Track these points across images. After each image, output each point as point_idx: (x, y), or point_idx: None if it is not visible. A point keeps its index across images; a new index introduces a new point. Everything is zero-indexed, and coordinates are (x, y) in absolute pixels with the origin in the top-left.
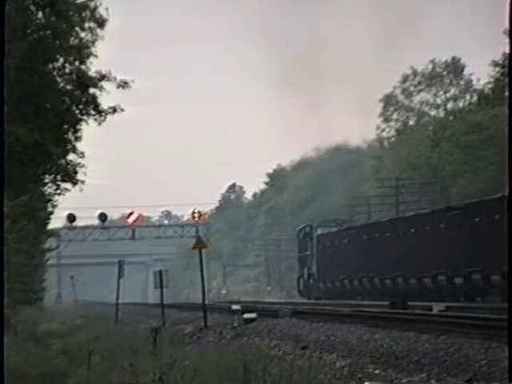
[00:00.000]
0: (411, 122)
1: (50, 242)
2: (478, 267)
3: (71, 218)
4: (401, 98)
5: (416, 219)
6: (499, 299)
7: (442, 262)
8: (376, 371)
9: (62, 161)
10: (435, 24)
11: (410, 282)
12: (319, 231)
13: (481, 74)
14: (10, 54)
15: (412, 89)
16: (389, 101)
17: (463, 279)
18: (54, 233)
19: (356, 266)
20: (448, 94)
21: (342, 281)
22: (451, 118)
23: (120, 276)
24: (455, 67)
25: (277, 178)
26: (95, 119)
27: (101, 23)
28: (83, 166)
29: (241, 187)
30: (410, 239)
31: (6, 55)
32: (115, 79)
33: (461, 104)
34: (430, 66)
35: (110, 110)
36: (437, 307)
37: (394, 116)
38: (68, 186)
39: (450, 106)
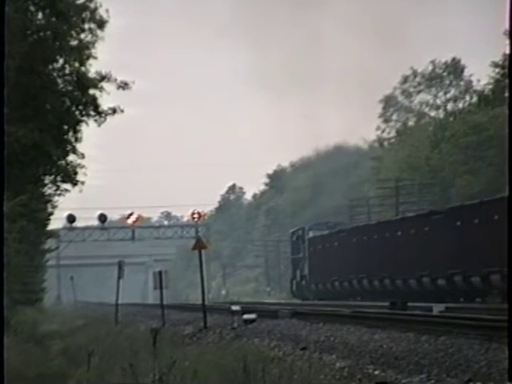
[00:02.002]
0: (411, 123)
1: (50, 243)
2: (459, 269)
3: (71, 218)
4: (401, 98)
5: (402, 222)
6: (479, 300)
7: (426, 264)
8: (376, 372)
9: (62, 162)
10: (435, 24)
11: (396, 283)
12: (311, 234)
13: (481, 74)
14: (10, 55)
15: (412, 89)
16: (389, 101)
17: (446, 281)
18: (54, 233)
19: (346, 267)
20: (448, 95)
21: (332, 282)
22: (451, 118)
23: (120, 277)
24: (455, 68)
25: (277, 179)
26: (95, 120)
27: (101, 24)
28: (83, 166)
29: (241, 188)
30: (396, 242)
31: (6, 56)
32: (115, 80)
33: (461, 105)
34: (430, 67)
35: (110, 111)
36: (437, 308)
37: (394, 117)
38: (68, 186)
39: (449, 106)
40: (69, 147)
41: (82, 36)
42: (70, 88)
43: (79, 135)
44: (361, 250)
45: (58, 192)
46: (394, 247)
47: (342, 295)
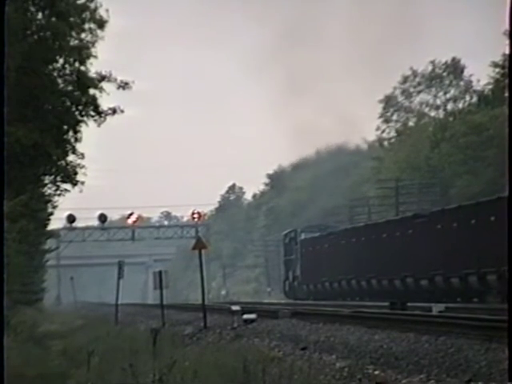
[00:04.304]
0: (411, 123)
1: (50, 243)
2: (441, 270)
3: (71, 218)
4: (401, 98)
5: (387, 225)
6: (459, 299)
7: (409, 265)
8: (376, 372)
9: (62, 162)
10: (435, 25)
11: (382, 283)
12: (303, 236)
13: (481, 74)
14: (10, 55)
15: (412, 90)
16: (389, 102)
17: (428, 281)
18: (54, 233)
19: (335, 269)
20: (448, 95)
21: (323, 283)
22: (451, 118)
23: (120, 277)
24: (455, 68)
25: (277, 179)
26: (95, 120)
27: (101, 24)
28: (83, 166)
29: (241, 188)
30: (382, 244)
31: (6, 56)
32: (115, 80)
33: (460, 105)
34: (430, 67)
35: (110, 111)
36: (436, 308)
37: (394, 117)
38: (68, 186)
39: (449, 106)
40: (69, 147)
41: (82, 36)
42: (70, 88)
43: (79, 135)
44: (349, 252)
45: (58, 192)
46: (380, 249)
47: (332, 295)
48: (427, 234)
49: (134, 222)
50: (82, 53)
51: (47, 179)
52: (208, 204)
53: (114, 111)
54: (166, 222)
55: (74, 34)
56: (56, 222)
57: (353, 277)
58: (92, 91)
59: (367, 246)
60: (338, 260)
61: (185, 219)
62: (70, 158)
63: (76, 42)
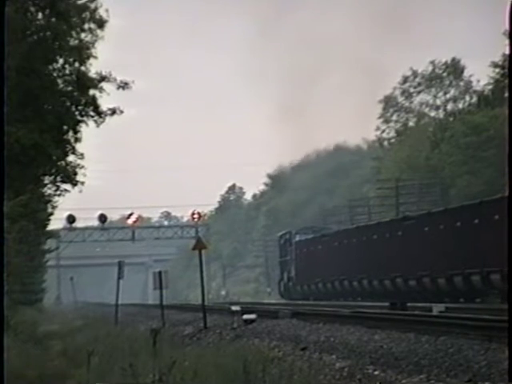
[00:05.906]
0: (411, 123)
1: (50, 243)
2: (428, 271)
3: (71, 219)
4: (400, 99)
5: (378, 227)
6: (447, 300)
7: (399, 266)
8: (376, 372)
9: (62, 162)
10: (435, 25)
11: (373, 284)
12: (297, 238)
13: (481, 75)
14: (10, 55)
15: (412, 90)
16: (388, 102)
17: (416, 282)
18: (54, 234)
19: (328, 270)
20: (448, 95)
21: (316, 283)
22: (451, 119)
23: (120, 277)
24: (455, 68)
25: (277, 179)
26: (95, 121)
27: (101, 24)
28: (83, 167)
29: (240, 188)
30: (372, 245)
31: (6, 56)
32: (115, 80)
33: (460, 105)
34: (430, 67)
35: (110, 112)
36: (436, 308)
37: (394, 117)
38: (68, 187)
39: (449, 107)
40: (68, 147)
41: (82, 36)
42: (69, 88)
43: (79, 135)
44: (342, 253)
45: (58, 192)
46: (371, 250)
47: (326, 296)
48: (415, 235)
49: (134, 222)
50: (82, 53)
51: (47, 179)
52: (208, 204)
53: (113, 112)
54: (166, 222)
55: (74, 33)
56: (56, 223)
57: (345, 277)
58: (92, 91)
59: (359, 247)
60: (330, 261)
61: (185, 219)
62: (70, 158)
63: (76, 42)
